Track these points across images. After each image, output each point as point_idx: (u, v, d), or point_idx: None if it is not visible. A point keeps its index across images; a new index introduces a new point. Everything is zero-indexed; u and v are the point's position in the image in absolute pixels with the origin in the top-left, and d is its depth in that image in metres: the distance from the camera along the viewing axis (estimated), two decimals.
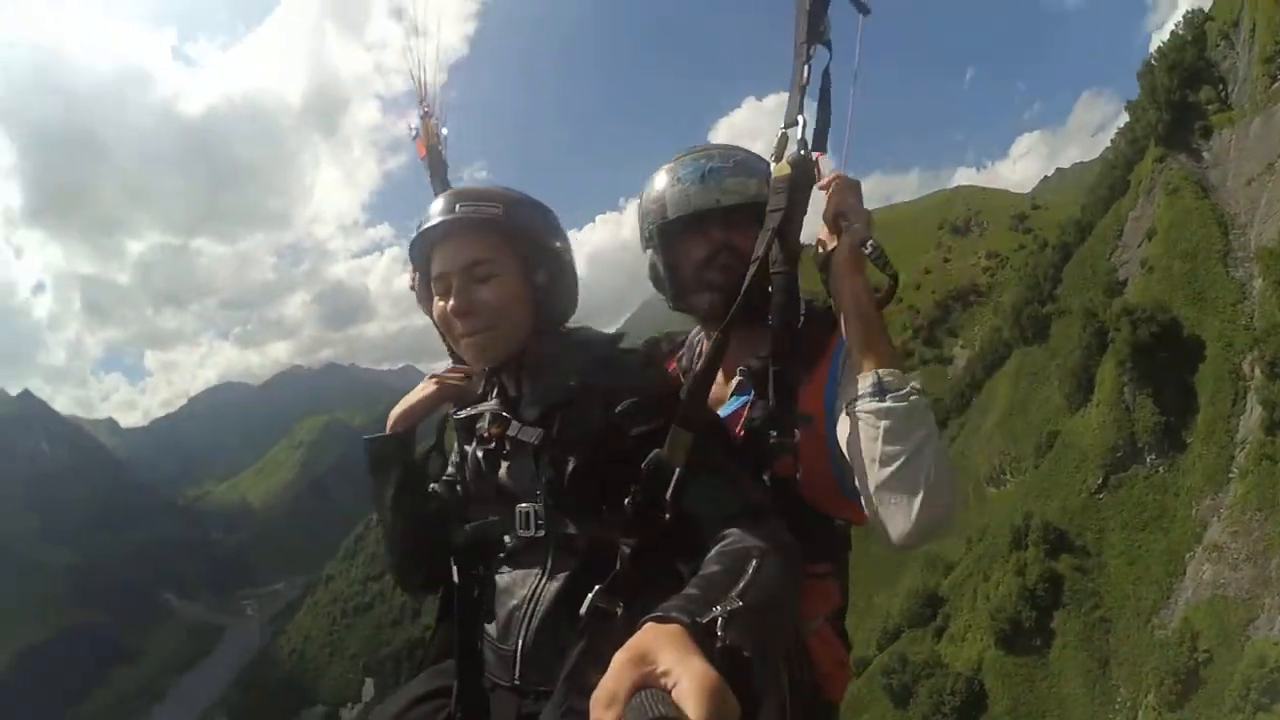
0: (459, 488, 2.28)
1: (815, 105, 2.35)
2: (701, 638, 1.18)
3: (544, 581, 1.96)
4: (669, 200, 2.42)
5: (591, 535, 1.89)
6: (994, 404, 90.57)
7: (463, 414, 2.25)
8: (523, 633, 1.94)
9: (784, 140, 2.30)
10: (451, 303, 2.04)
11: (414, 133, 3.13)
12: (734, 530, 1.68)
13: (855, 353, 2.08)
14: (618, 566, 1.77)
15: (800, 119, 2.28)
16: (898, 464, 1.91)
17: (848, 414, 2.04)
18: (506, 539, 2.06)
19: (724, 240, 2.39)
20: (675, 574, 1.72)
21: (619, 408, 1.89)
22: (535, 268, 2.06)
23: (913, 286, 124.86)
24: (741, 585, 1.41)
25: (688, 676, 1.05)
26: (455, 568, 2.16)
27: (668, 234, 2.47)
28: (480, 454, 2.16)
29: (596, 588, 1.75)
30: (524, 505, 2.01)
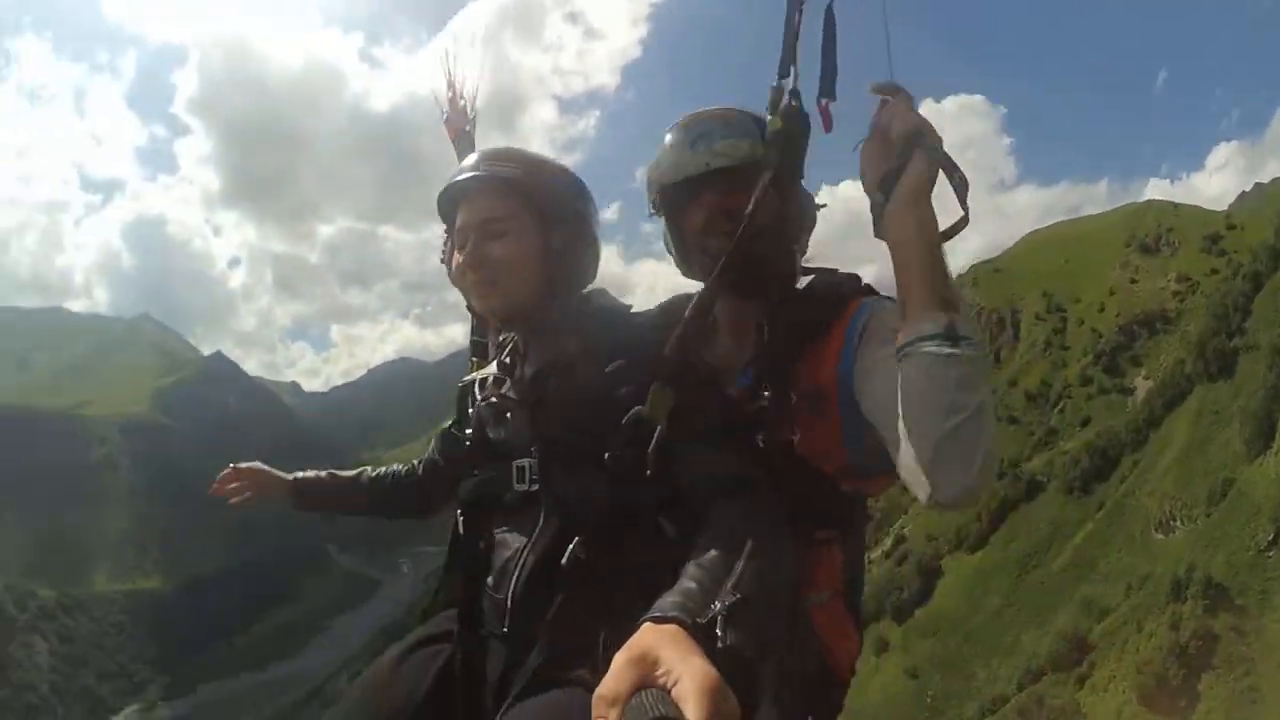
0: (466, 445, 2.33)
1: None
2: (701, 638, 1.18)
3: (535, 535, 1.99)
4: (664, 167, 2.36)
5: (580, 491, 1.91)
6: (1171, 443, 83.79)
7: (472, 376, 2.41)
8: (513, 583, 1.98)
9: (777, 93, 2.13)
10: (465, 255, 2.11)
11: (444, 115, 3.22)
12: (725, 505, 1.71)
13: (920, 290, 1.85)
14: (597, 519, 1.85)
15: (792, 69, 2.11)
16: (964, 415, 1.75)
17: (906, 356, 1.83)
18: (506, 495, 2.10)
19: (718, 204, 2.27)
20: (658, 527, 1.83)
21: (609, 368, 1.96)
22: (551, 230, 2.10)
23: (1096, 308, 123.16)
24: (736, 575, 1.41)
25: (688, 676, 1.05)
26: (460, 520, 2.22)
27: (667, 202, 2.40)
28: (482, 412, 2.27)
29: (576, 538, 1.83)
30: (519, 461, 2.07)
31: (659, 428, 1.82)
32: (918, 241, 1.86)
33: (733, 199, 2.20)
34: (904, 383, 1.83)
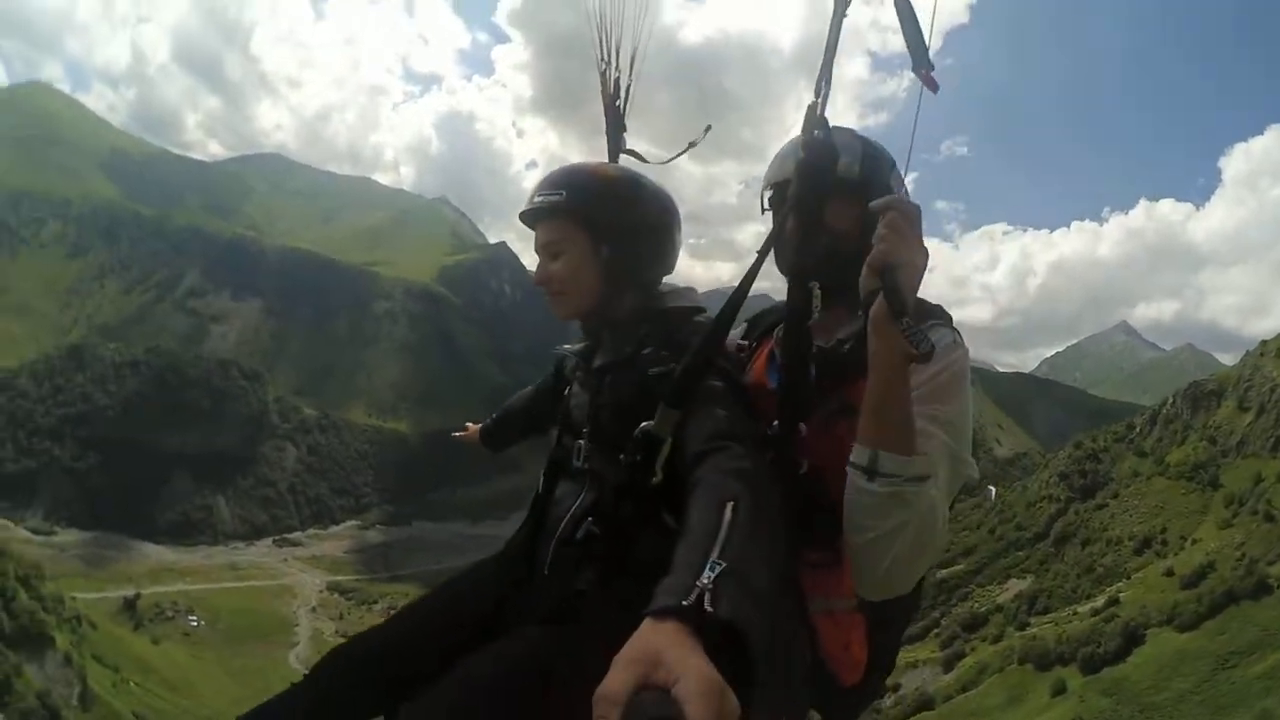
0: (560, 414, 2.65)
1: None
2: (692, 620, 1.21)
3: (576, 505, 2.30)
4: (784, 168, 2.45)
5: (614, 485, 2.16)
6: None
7: (565, 349, 2.73)
8: (553, 541, 2.31)
9: (810, 113, 2.15)
10: (535, 274, 2.47)
11: (601, 80, 3.17)
12: (710, 464, 1.81)
13: (864, 414, 1.96)
14: (608, 503, 2.16)
15: (823, 86, 2.12)
16: (869, 536, 1.93)
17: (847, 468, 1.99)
18: (570, 464, 2.42)
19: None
20: (663, 523, 2.06)
21: (651, 371, 2.22)
22: (599, 243, 2.37)
23: None
24: (721, 539, 1.47)
25: (688, 676, 1.07)
26: (542, 477, 2.51)
27: (772, 202, 2.53)
28: (567, 389, 2.63)
29: (589, 519, 2.19)
30: (579, 441, 2.39)
31: (666, 442, 2.01)
32: (873, 372, 1.93)
33: (834, 212, 2.30)
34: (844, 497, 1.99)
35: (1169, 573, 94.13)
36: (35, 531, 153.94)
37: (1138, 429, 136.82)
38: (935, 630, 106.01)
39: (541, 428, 3.17)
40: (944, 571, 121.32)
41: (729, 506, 1.57)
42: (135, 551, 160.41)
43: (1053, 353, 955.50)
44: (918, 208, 2.01)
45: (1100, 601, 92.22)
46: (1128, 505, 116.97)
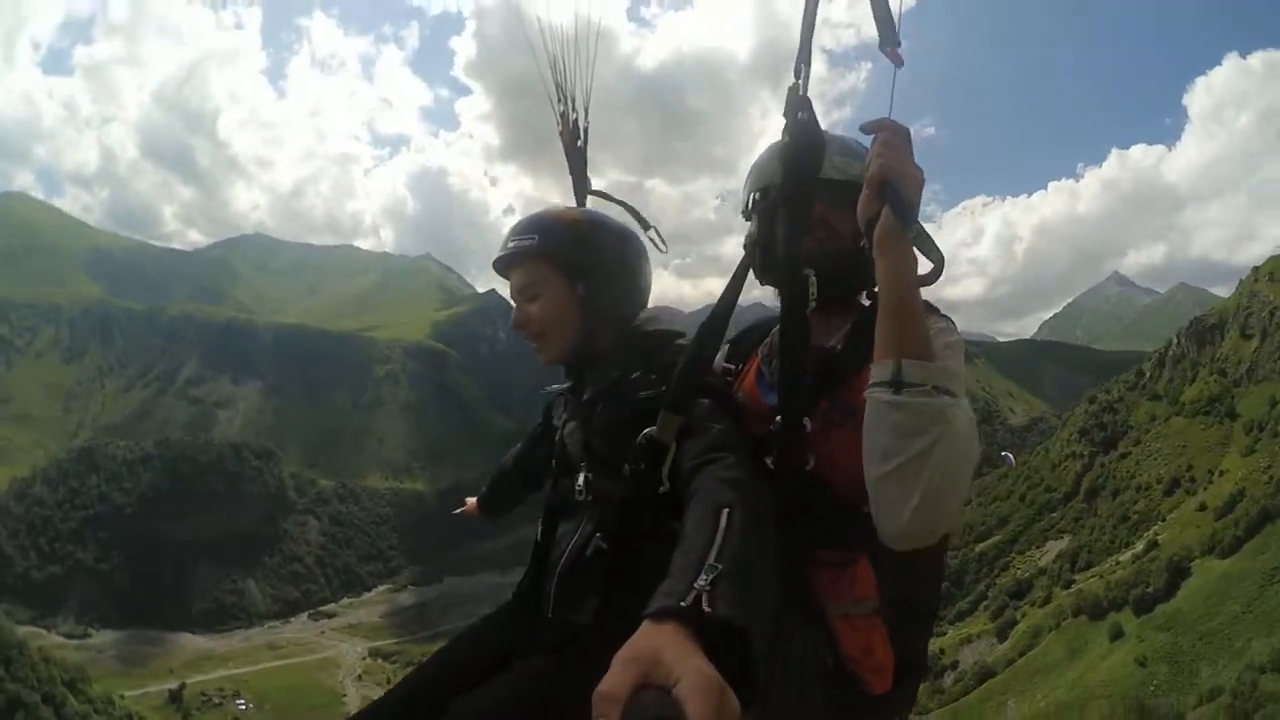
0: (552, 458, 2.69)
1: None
2: (692, 621, 1.22)
3: (579, 534, 2.32)
4: (754, 173, 2.50)
5: (619, 499, 2.16)
6: None
7: (554, 388, 2.73)
8: (555, 574, 2.32)
9: (791, 95, 2.10)
10: (513, 318, 2.53)
11: (558, 125, 3.22)
12: (702, 477, 1.83)
13: (879, 334, 1.93)
14: (612, 516, 2.19)
15: (802, 67, 2.07)
16: (897, 461, 1.82)
17: (866, 400, 1.93)
18: (571, 502, 2.43)
19: (818, 214, 2.31)
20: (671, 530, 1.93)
21: (642, 394, 2.23)
22: (575, 282, 2.42)
23: None
24: (718, 544, 1.47)
25: (687, 676, 1.07)
26: (541, 523, 2.54)
27: (756, 206, 2.48)
28: (559, 431, 2.66)
29: (597, 533, 2.22)
30: (579, 474, 2.40)
31: (670, 448, 2.01)
32: (885, 289, 1.92)
33: (832, 213, 2.32)
34: (864, 423, 1.92)
35: (1202, 507, 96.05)
36: (69, 636, 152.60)
37: (1148, 374, 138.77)
38: (984, 603, 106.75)
39: (538, 483, 3.10)
40: (982, 545, 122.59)
41: (724, 513, 1.58)
42: (172, 643, 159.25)
43: (1051, 314, 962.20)
44: (907, 129, 2.00)
45: (1140, 547, 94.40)
46: (1151, 450, 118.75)
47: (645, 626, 1.23)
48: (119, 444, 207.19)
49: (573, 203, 3.03)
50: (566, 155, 3.13)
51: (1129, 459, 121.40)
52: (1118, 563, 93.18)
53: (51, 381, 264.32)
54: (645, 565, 1.90)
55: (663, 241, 2.69)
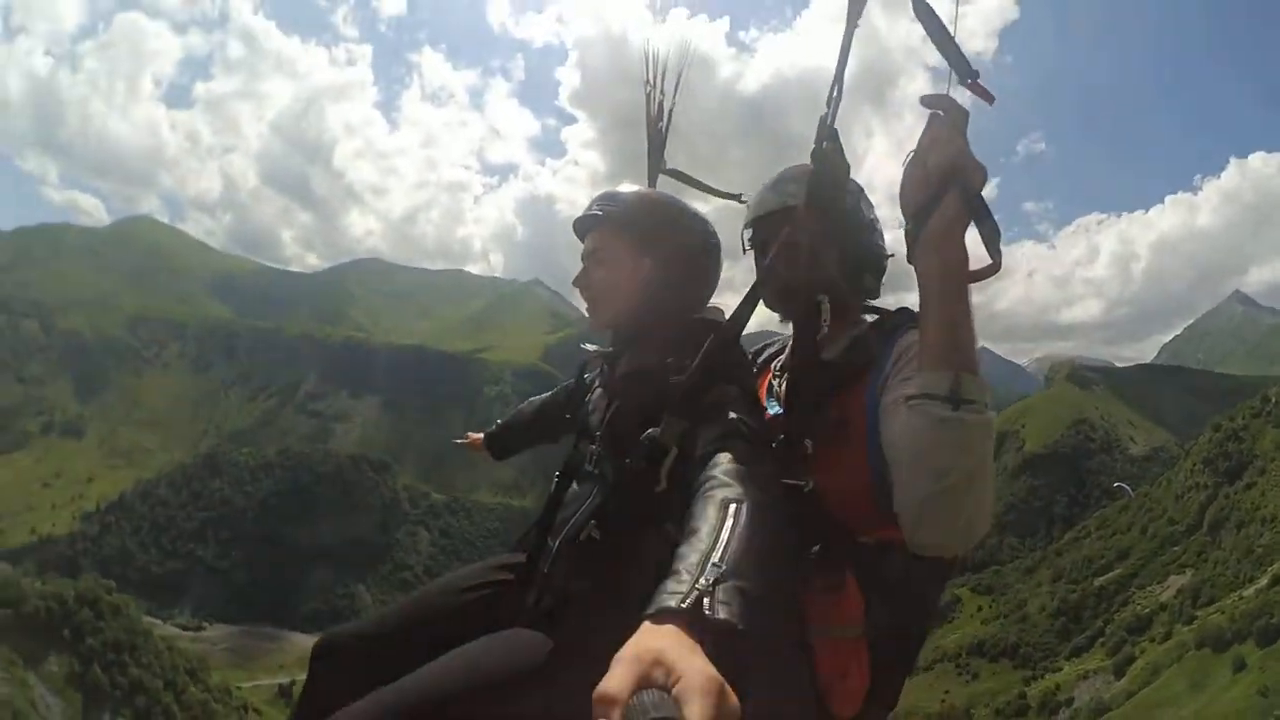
0: (575, 412, 2.71)
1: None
2: (692, 623, 1.21)
3: (585, 504, 2.28)
4: (751, 206, 2.58)
5: (624, 482, 2.13)
6: None
7: (592, 349, 2.67)
8: (558, 540, 2.29)
9: (821, 125, 2.09)
10: (576, 278, 2.52)
11: (649, 112, 3.21)
12: (712, 466, 1.78)
13: (934, 342, 1.82)
14: (611, 506, 2.15)
15: (834, 98, 2.06)
16: (951, 480, 1.75)
17: (912, 408, 1.82)
18: (583, 468, 2.41)
19: (789, 238, 2.30)
20: (663, 531, 1.98)
21: (673, 379, 2.13)
22: (642, 256, 2.41)
23: None
24: (723, 541, 1.46)
25: (688, 676, 1.06)
26: (555, 481, 2.52)
27: (756, 239, 2.56)
28: (587, 394, 2.65)
29: (591, 520, 2.17)
30: (592, 445, 2.38)
31: (671, 450, 1.97)
32: (939, 287, 1.82)
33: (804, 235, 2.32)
34: (905, 434, 1.84)
35: None
36: (184, 628, 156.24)
37: (1274, 400, 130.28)
38: (1100, 639, 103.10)
39: (551, 436, 3.28)
40: (1101, 580, 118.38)
41: (731, 507, 1.57)
42: (283, 641, 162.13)
43: (1171, 337, 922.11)
44: (968, 111, 1.88)
45: (1265, 581, 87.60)
46: (1277, 480, 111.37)
47: (646, 626, 1.22)
48: (242, 451, 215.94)
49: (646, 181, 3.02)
50: (648, 135, 3.11)
51: (1254, 489, 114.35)
52: (1241, 598, 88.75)
53: (178, 391, 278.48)
54: (642, 558, 1.95)
55: (741, 201, 2.72)
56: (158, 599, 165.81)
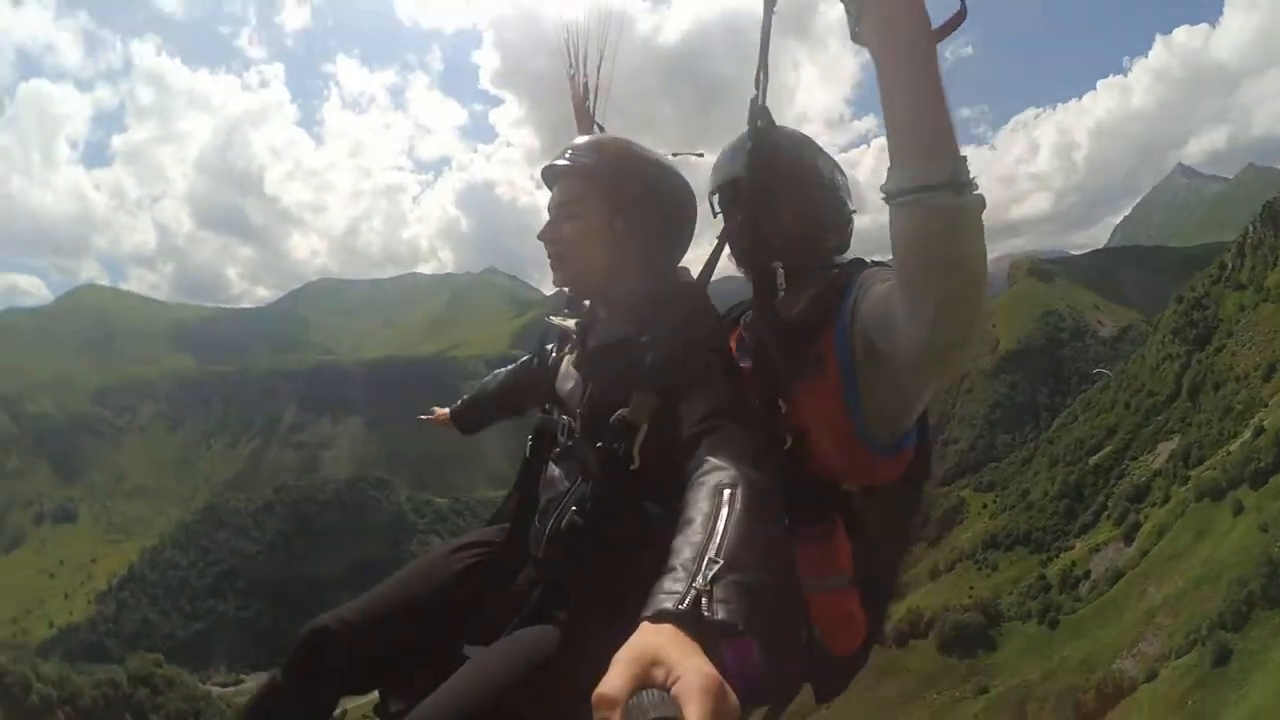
0: (544, 383, 2.60)
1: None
2: (691, 625, 1.20)
3: (574, 487, 2.19)
4: (714, 172, 2.54)
5: (604, 459, 2.03)
6: None
7: (557, 319, 2.59)
8: (551, 522, 2.19)
9: (752, 106, 2.17)
10: (543, 230, 2.41)
11: (572, 92, 3.24)
12: (703, 448, 1.75)
13: (917, 122, 1.62)
14: (588, 495, 2.06)
15: (761, 78, 2.11)
16: (968, 269, 1.64)
17: (906, 205, 1.64)
18: (559, 440, 2.34)
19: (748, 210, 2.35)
20: (643, 510, 1.97)
21: (648, 359, 2.06)
22: (615, 214, 2.30)
23: None
24: (719, 534, 1.43)
25: (687, 676, 1.06)
26: (528, 445, 2.48)
27: (722, 204, 2.52)
28: (558, 363, 2.56)
29: (573, 508, 2.07)
30: (566, 417, 2.31)
31: (641, 428, 1.94)
32: (908, 52, 1.58)
33: (780, 206, 2.34)
34: (905, 235, 1.67)
35: None
36: (223, 685, 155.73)
37: (1230, 265, 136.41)
38: (1105, 513, 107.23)
39: (518, 410, 3.25)
40: (1094, 458, 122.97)
41: (725, 493, 1.54)
42: None
43: (1121, 218, 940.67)
44: None
45: (1248, 434, 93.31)
46: (1244, 340, 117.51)
47: (644, 626, 1.21)
48: (239, 498, 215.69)
49: None
50: (576, 116, 3.17)
51: (1224, 351, 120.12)
52: (1228, 453, 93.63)
53: (161, 453, 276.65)
54: (625, 542, 1.94)
55: (700, 156, 2.76)
56: (190, 662, 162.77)
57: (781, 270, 2.26)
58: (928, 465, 2.31)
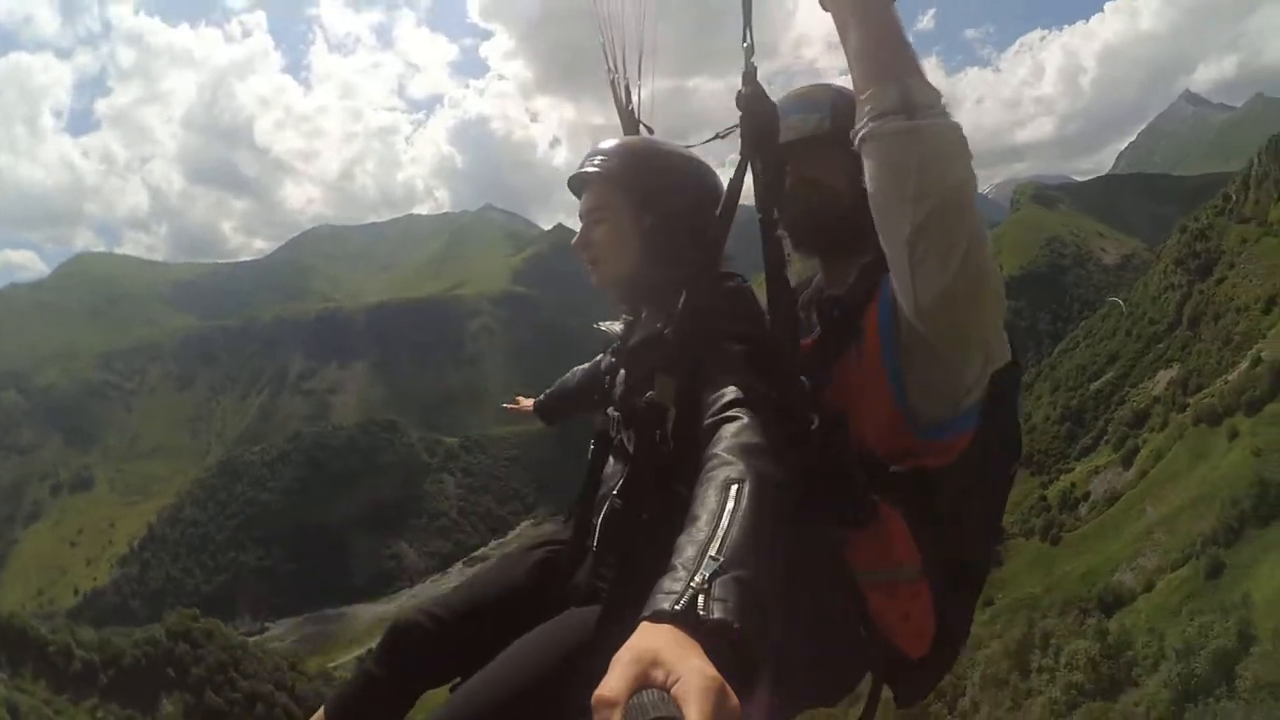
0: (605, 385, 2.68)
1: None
2: (688, 625, 1.20)
3: (620, 479, 2.25)
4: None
5: (641, 452, 2.12)
6: None
7: (606, 325, 2.68)
8: (601, 513, 2.28)
9: (746, 70, 2.08)
10: (575, 239, 2.44)
11: (614, 94, 3.21)
12: (715, 441, 1.73)
13: (867, 52, 1.66)
14: (623, 482, 2.16)
15: (747, 34, 2.04)
16: (934, 201, 1.57)
17: (862, 143, 1.67)
18: (612, 434, 2.41)
19: (792, 174, 2.28)
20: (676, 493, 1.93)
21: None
22: (642, 214, 2.33)
23: None
24: (721, 531, 1.43)
25: (687, 676, 1.06)
26: (592, 447, 2.50)
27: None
28: (609, 364, 2.63)
29: (613, 495, 2.19)
30: (615, 412, 2.38)
31: (670, 410, 1.98)
32: None
33: (800, 169, 2.29)
34: (869, 179, 1.66)
35: None
36: (249, 634, 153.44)
37: (1234, 198, 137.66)
38: (1104, 438, 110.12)
39: (592, 405, 3.21)
40: (1095, 384, 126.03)
41: (732, 489, 1.53)
42: (346, 617, 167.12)
43: (1126, 144, 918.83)
44: None
45: (1245, 364, 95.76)
46: (1245, 272, 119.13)
47: (643, 626, 1.21)
48: (253, 450, 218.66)
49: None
50: (620, 120, 3.17)
51: (1226, 283, 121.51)
52: (1226, 382, 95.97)
53: (171, 413, 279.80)
54: (660, 521, 1.90)
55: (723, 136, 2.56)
56: (216, 614, 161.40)
57: (789, 239, 2.27)
58: (1012, 443, 2.23)
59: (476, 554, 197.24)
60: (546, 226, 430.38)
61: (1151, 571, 70.32)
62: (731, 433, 1.73)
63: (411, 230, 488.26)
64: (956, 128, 1.61)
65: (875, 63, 1.63)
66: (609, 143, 2.47)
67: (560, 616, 2.18)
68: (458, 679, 2.35)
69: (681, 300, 2.11)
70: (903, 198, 1.60)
